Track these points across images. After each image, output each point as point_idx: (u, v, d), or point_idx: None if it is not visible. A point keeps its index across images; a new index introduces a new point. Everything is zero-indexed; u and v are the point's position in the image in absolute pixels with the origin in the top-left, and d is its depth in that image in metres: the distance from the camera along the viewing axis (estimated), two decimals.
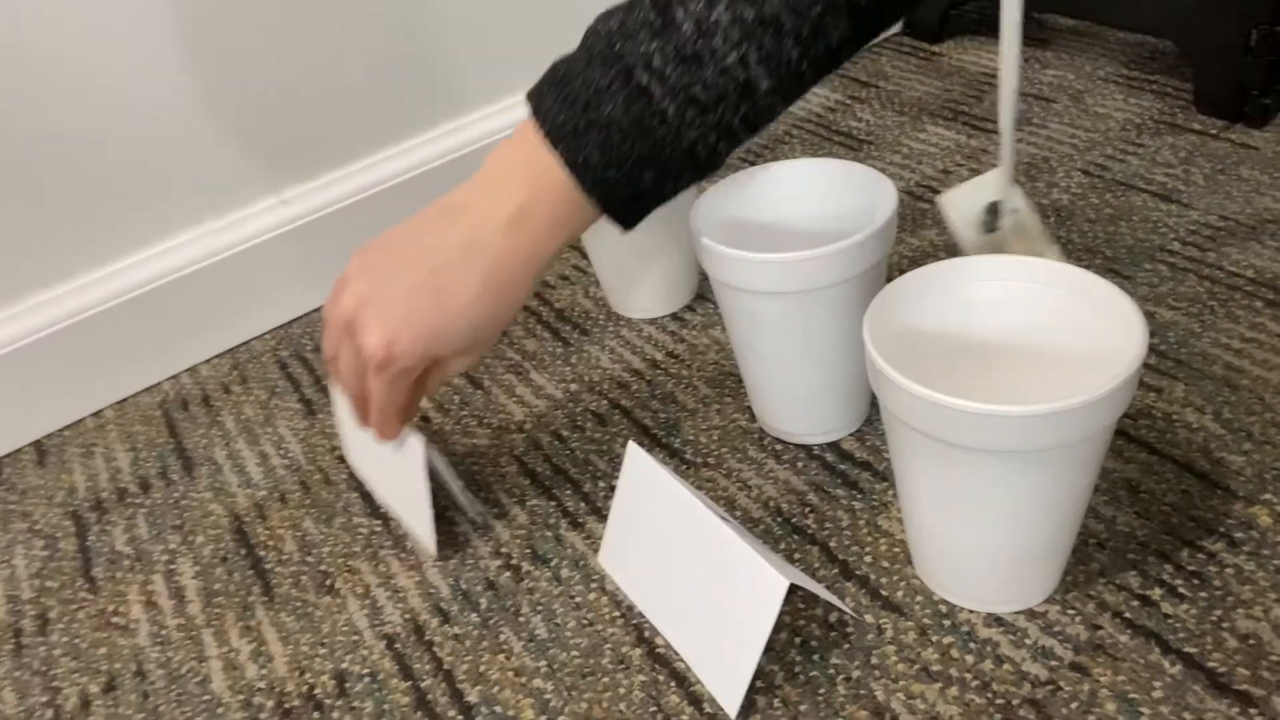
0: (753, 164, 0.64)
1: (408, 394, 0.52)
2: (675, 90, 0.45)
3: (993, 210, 0.59)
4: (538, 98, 0.47)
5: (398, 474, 0.58)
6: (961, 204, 0.62)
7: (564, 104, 0.46)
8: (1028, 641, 0.46)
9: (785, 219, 0.60)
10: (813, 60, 0.46)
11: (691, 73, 0.44)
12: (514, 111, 0.88)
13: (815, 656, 0.48)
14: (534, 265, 0.49)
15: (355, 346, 0.49)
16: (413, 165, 0.85)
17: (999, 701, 0.44)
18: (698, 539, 0.48)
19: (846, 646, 0.48)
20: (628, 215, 0.49)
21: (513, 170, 0.48)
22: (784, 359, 0.55)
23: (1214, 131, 0.79)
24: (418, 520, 0.58)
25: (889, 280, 0.48)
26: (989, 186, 0.59)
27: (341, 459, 0.67)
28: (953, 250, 0.72)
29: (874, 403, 0.61)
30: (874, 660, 0.47)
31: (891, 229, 0.52)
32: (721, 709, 0.46)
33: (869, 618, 0.49)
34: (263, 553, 0.61)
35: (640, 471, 0.52)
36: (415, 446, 0.55)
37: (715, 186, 0.58)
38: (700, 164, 0.48)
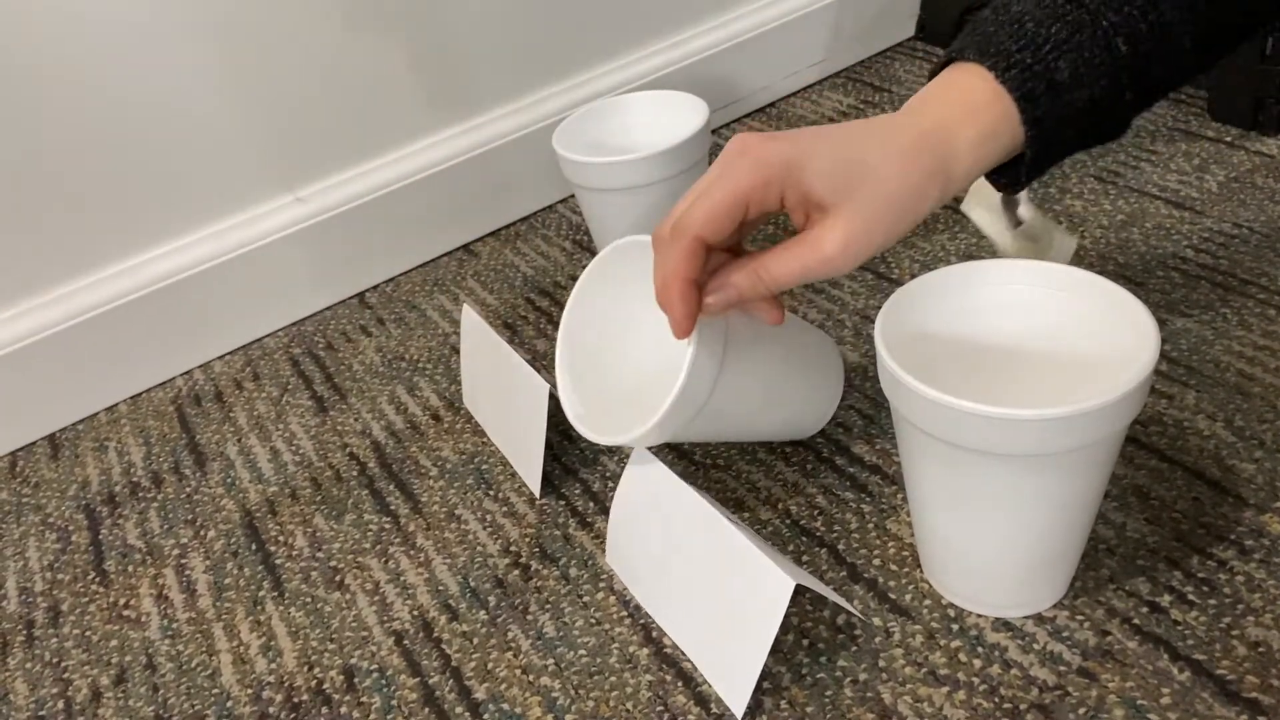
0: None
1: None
2: None
3: (1010, 205, 0.59)
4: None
5: (515, 416, 0.62)
6: (981, 208, 0.62)
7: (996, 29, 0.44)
8: (1036, 646, 0.46)
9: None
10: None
11: None
12: (527, 112, 0.88)
13: (822, 658, 0.48)
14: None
15: None
16: (427, 165, 0.85)
17: (1006, 706, 0.44)
18: (705, 539, 0.48)
19: (854, 649, 0.48)
20: (1040, 122, 0.44)
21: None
22: (744, 408, 0.53)
23: (1228, 139, 0.79)
24: (529, 460, 0.61)
25: (901, 285, 0.48)
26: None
27: (352, 455, 0.67)
28: (963, 255, 0.72)
29: (883, 405, 0.61)
30: (881, 663, 0.47)
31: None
32: (728, 709, 0.47)
33: (877, 620, 0.49)
34: (273, 548, 0.62)
35: (649, 472, 0.52)
36: (540, 390, 0.58)
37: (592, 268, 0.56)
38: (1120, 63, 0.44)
